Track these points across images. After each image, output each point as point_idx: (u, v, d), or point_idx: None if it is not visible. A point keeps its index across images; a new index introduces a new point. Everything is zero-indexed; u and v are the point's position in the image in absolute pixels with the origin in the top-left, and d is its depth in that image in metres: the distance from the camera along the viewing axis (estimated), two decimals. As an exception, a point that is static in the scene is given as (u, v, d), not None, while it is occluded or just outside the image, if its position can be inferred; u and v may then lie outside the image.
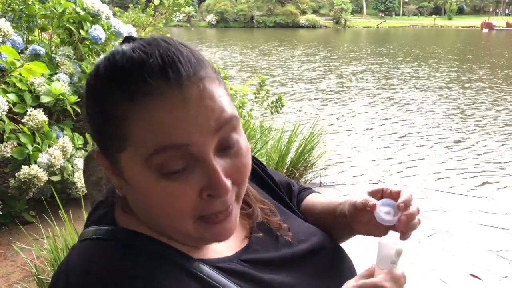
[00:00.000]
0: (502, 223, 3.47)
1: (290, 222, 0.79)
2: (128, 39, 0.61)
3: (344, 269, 0.79)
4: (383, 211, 0.73)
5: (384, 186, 0.77)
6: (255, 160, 0.83)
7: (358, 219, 0.78)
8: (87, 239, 0.64)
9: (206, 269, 0.62)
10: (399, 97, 11.16)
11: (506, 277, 2.78)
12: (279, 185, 0.89)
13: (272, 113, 5.72)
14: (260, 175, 0.87)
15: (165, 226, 0.61)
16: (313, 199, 0.93)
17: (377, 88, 12.44)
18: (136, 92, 0.54)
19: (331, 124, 8.18)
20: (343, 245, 0.84)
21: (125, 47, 0.58)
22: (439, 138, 7.59)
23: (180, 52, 0.56)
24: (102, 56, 0.61)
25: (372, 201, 0.74)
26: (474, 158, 6.60)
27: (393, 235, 0.65)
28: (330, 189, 4.20)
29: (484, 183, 5.54)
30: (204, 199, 0.57)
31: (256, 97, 5.89)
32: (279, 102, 5.84)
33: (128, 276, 0.57)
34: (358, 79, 14.28)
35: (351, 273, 0.79)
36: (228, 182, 0.56)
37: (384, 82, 13.70)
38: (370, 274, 0.63)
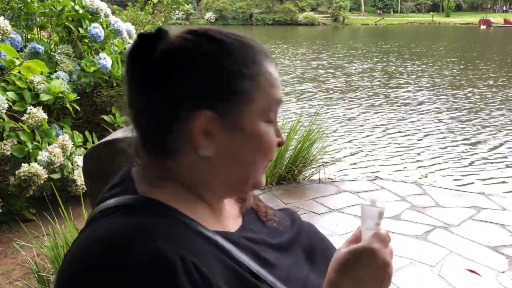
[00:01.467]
0: (499, 219, 3.49)
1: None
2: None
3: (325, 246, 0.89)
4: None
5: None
6: None
7: None
8: (103, 214, 0.64)
9: (220, 238, 0.66)
10: (404, 96, 11.10)
11: (503, 272, 2.80)
12: None
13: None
14: None
15: (241, 178, 0.70)
16: None
17: (382, 87, 12.35)
18: (261, 58, 0.69)
19: (333, 122, 8.17)
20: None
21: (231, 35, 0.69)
22: (440, 135, 7.60)
23: None
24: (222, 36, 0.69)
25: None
26: (473, 154, 6.63)
27: (374, 200, 0.69)
28: (328, 185, 4.22)
29: (481, 179, 5.56)
30: (275, 146, 0.73)
31: None
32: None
33: (150, 233, 0.58)
34: (363, 77, 14.16)
35: (331, 248, 0.88)
36: None
37: (390, 80, 13.62)
38: (358, 238, 0.68)
